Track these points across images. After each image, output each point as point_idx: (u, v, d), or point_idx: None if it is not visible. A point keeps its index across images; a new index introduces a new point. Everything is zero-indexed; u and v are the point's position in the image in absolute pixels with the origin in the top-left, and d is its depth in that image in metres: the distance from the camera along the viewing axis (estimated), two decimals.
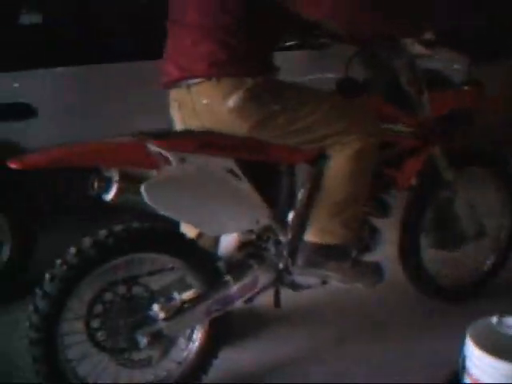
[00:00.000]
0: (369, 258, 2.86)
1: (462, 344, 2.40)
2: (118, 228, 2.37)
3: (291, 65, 4.27)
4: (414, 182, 3.07)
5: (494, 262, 3.48)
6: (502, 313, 2.51)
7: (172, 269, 2.55)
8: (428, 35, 2.67)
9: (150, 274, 2.49)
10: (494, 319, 2.53)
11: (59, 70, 3.61)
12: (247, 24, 2.36)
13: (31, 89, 3.52)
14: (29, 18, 3.70)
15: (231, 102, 2.37)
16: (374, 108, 2.71)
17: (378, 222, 2.91)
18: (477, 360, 2.36)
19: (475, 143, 4.03)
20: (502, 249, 3.49)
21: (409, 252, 3.21)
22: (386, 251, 3.19)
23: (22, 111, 3.41)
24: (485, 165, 3.34)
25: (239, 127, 2.43)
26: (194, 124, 2.49)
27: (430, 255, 3.26)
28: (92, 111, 3.64)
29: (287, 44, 4.16)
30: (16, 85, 3.49)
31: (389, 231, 3.09)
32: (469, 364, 2.40)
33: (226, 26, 2.35)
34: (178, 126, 2.61)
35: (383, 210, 2.88)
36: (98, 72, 3.73)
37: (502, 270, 3.50)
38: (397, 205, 3.04)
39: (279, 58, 4.11)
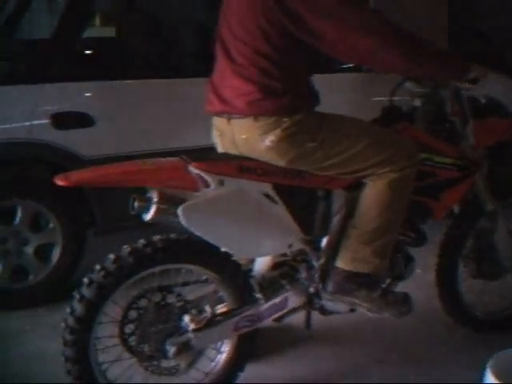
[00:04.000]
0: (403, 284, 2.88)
1: (481, 375, 2.41)
2: (156, 238, 2.45)
3: (346, 87, 4.34)
4: (456, 210, 3.09)
5: None
6: None
7: (206, 281, 2.62)
8: (472, 75, 2.64)
9: (185, 284, 2.58)
10: None
11: (117, 82, 3.72)
12: (284, 66, 2.39)
13: (90, 99, 3.65)
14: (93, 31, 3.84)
15: (268, 140, 2.42)
16: (414, 138, 2.71)
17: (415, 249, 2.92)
18: None
19: None
20: None
21: (446, 280, 3.21)
22: (421, 277, 3.23)
23: (80, 120, 3.52)
24: None
25: (276, 162, 2.48)
26: (234, 152, 2.55)
27: (468, 284, 3.24)
28: (149, 124, 3.73)
29: (342, 66, 4.22)
30: (75, 94, 3.60)
31: (426, 258, 3.12)
32: None
33: (264, 67, 2.37)
34: (219, 150, 2.67)
35: (419, 239, 2.86)
36: (158, 86, 3.84)
37: None
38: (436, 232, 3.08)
39: (333, 80, 4.19)
